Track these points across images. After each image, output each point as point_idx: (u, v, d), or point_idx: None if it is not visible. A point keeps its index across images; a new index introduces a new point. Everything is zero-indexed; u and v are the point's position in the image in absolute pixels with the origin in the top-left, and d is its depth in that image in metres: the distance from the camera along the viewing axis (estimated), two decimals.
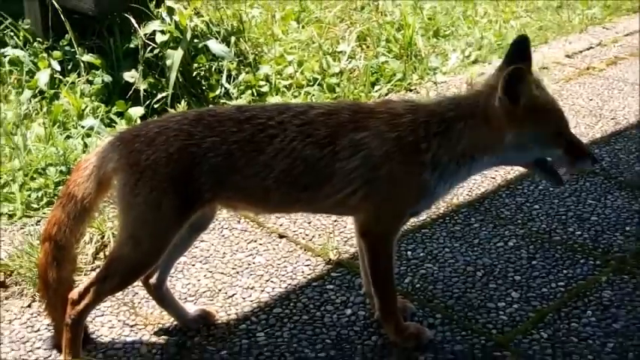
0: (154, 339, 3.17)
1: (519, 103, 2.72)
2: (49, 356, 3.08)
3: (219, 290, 3.48)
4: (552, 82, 5.97)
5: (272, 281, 3.54)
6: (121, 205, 2.88)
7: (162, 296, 3.23)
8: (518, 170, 4.52)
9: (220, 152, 2.76)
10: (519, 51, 2.92)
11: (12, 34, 5.72)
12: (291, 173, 2.80)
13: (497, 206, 4.15)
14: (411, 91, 5.79)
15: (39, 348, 3.12)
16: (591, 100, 5.70)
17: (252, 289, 3.49)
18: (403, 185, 2.87)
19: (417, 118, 2.85)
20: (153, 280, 3.19)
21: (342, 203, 2.89)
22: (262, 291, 3.48)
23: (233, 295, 3.45)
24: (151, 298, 3.28)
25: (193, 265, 3.63)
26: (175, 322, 3.24)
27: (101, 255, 3.70)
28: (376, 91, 5.76)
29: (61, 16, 5.23)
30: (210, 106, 5.19)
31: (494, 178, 4.46)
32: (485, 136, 2.84)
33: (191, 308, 3.27)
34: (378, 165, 2.81)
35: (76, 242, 3.03)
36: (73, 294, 2.94)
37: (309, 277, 3.56)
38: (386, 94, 5.73)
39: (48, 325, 3.24)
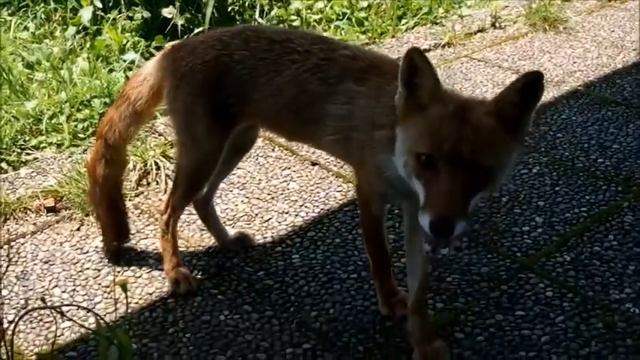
0: (194, 260, 3.16)
1: (416, 96, 2.21)
2: (98, 276, 3.08)
3: (256, 215, 3.45)
4: (574, 14, 5.79)
5: (306, 206, 3.51)
6: (168, 111, 2.90)
7: (207, 214, 3.20)
8: (540, 100, 4.39)
9: (247, 66, 2.68)
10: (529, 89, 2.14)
11: None
12: (297, 102, 2.66)
13: None
14: (436, 24, 5.64)
15: (88, 269, 3.13)
16: (613, 31, 5.51)
17: (286, 213, 3.46)
18: (370, 159, 2.51)
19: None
20: (198, 196, 3.14)
21: (332, 149, 2.77)
22: (296, 215, 3.44)
23: (269, 219, 3.42)
24: (191, 222, 3.26)
25: (231, 190, 3.60)
26: (215, 245, 3.23)
27: (144, 182, 3.68)
28: (403, 25, 5.62)
29: None
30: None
31: None
32: None
33: (230, 231, 3.25)
34: (356, 126, 2.53)
35: (124, 144, 3.03)
36: (160, 204, 3.05)
37: (341, 202, 3.51)
38: (412, 28, 5.59)
39: (96, 247, 3.25)
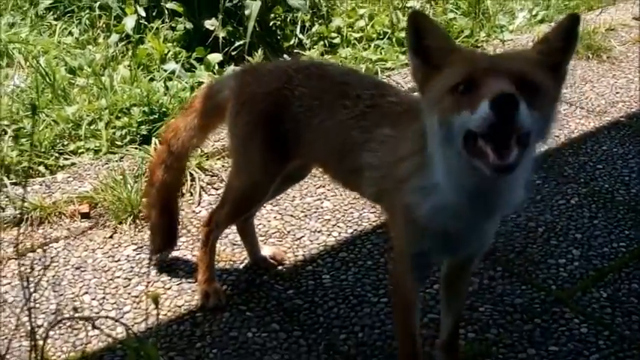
0: (225, 275, 3.14)
1: (430, 61, 2.07)
2: (128, 285, 3.08)
3: (288, 232, 3.43)
4: (619, 43, 5.70)
5: (338, 226, 3.47)
6: (228, 131, 2.86)
7: (245, 229, 3.18)
8: (581, 130, 4.36)
9: (304, 104, 2.60)
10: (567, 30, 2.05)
11: None
12: (341, 150, 2.52)
13: (560, 164, 3.98)
14: (478, 47, 5.59)
15: (118, 277, 3.13)
16: None
17: (319, 232, 3.43)
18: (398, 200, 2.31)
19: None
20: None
21: (375, 203, 2.65)
22: (329, 235, 3.41)
23: (301, 237, 3.40)
24: (223, 236, 3.24)
25: (264, 206, 3.56)
26: (245, 261, 3.21)
27: (178, 193, 3.67)
28: None
29: None
30: (333, 62, 4.96)
31: (557, 136, 4.27)
32: None
33: (263, 247, 3.23)
34: (386, 174, 2.35)
35: (186, 153, 3.04)
36: (206, 216, 3.04)
37: (374, 224, 3.47)
38: None
39: (127, 256, 3.25)
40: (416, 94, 2.35)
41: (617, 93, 4.91)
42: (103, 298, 3.02)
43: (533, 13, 6.30)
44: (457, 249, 2.30)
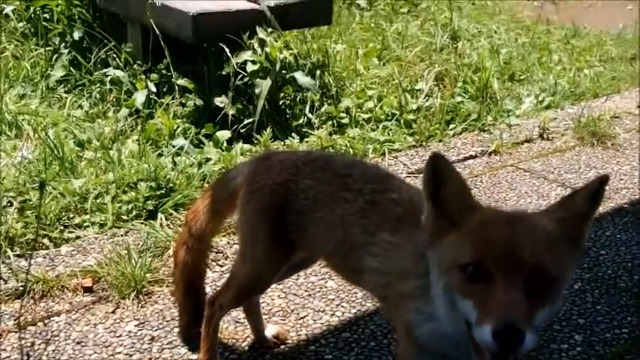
0: (227, 353, 3.14)
1: (445, 211, 2.03)
2: None
3: (292, 311, 3.45)
4: (623, 131, 5.82)
5: (342, 306, 3.49)
6: (238, 219, 2.88)
7: (250, 308, 3.19)
8: None
9: (309, 197, 2.61)
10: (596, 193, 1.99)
11: (114, 55, 5.85)
12: (343, 247, 2.50)
13: None
14: (484, 131, 5.69)
15: (119, 353, 3.13)
16: None
17: (322, 312, 3.45)
18: (399, 317, 2.30)
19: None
20: None
21: (379, 306, 2.59)
22: (332, 315, 3.43)
23: (304, 316, 3.41)
24: (227, 313, 3.25)
25: None
26: (248, 339, 3.22)
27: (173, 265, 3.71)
28: (451, 129, 5.69)
29: (161, 41, 5.30)
30: (343, 154, 4.86)
31: None
32: None
33: (267, 326, 3.24)
34: (389, 282, 2.32)
35: (205, 235, 3.05)
36: (211, 296, 3.03)
37: (378, 304, 3.47)
38: (460, 133, 5.65)
39: (129, 331, 3.26)
40: (417, 185, 2.37)
41: (620, 180, 4.99)
42: None
43: (540, 98, 6.45)
44: None
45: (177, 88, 5.42)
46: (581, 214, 1.97)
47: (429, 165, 2.02)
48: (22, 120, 5.16)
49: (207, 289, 3.47)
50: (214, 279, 3.61)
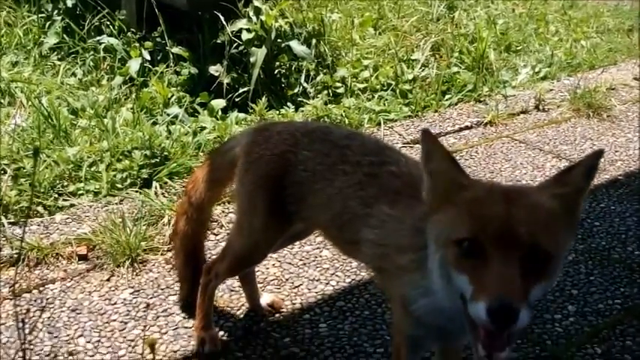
0: (221, 321, 3.17)
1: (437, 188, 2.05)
2: (124, 329, 3.10)
3: (286, 280, 3.47)
4: (619, 102, 5.83)
5: (337, 275, 3.52)
6: (235, 190, 2.89)
7: (245, 276, 3.21)
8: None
9: (307, 168, 2.60)
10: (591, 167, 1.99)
11: (108, 23, 5.82)
12: (340, 219, 2.51)
13: None
14: (480, 102, 5.70)
15: (114, 320, 3.15)
16: None
17: (317, 281, 3.48)
18: (396, 290, 2.32)
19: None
20: None
21: (375, 278, 2.60)
22: (327, 284, 3.45)
23: (299, 285, 3.44)
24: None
25: None
26: (243, 307, 3.25)
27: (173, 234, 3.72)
28: (446, 100, 5.69)
29: (155, 9, 5.28)
30: (341, 125, 4.82)
31: None
32: None
33: (262, 294, 3.27)
34: (387, 254, 2.34)
35: (204, 204, 3.06)
36: (207, 264, 3.04)
37: (372, 274, 3.49)
38: (456, 104, 5.66)
39: (124, 299, 3.28)
40: (416, 158, 2.37)
41: (616, 151, 5.01)
42: (99, 341, 3.04)
43: (536, 70, 6.45)
44: (451, 340, 2.33)
45: (171, 56, 5.41)
46: (578, 190, 1.96)
47: (421, 142, 2.06)
48: (15, 88, 5.14)
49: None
50: (209, 247, 3.62)
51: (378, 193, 2.41)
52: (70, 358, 2.88)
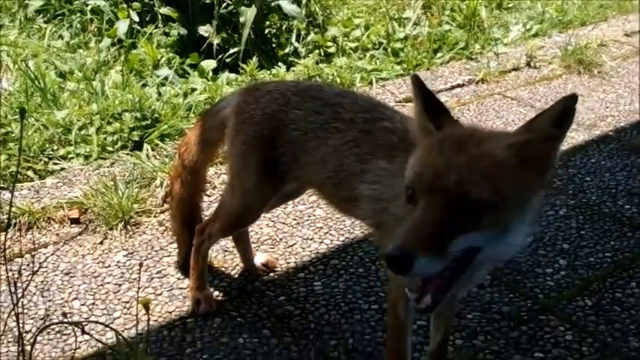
0: (216, 281, 3.18)
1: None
2: (118, 291, 3.11)
3: (280, 239, 3.48)
4: (610, 59, 5.82)
5: (330, 234, 3.53)
6: (227, 150, 2.88)
7: (239, 236, 3.22)
8: (571, 142, 4.43)
9: (299, 127, 2.60)
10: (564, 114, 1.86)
11: None
12: (337, 177, 2.50)
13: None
14: (472, 59, 5.68)
15: (108, 283, 3.16)
16: None
17: (311, 240, 3.48)
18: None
19: None
20: None
21: (373, 234, 2.59)
22: (321, 242, 3.46)
23: (293, 244, 3.45)
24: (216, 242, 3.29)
25: None
26: (237, 267, 3.27)
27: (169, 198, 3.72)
28: (438, 58, 5.67)
29: None
30: (332, 84, 4.91)
31: None
32: None
33: (256, 254, 3.28)
34: (385, 209, 2.33)
35: (198, 166, 3.05)
36: (200, 225, 3.03)
37: (366, 231, 3.51)
38: (448, 62, 5.63)
39: (118, 262, 3.29)
40: (410, 116, 2.34)
41: (606, 107, 5.02)
42: (93, 303, 3.05)
43: (528, 27, 6.43)
44: None
45: (160, 17, 5.37)
46: (546, 137, 1.85)
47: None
48: (1, 51, 5.08)
49: None
50: (201, 208, 3.61)
51: (374, 149, 2.41)
52: (65, 320, 2.89)
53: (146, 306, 2.16)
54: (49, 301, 3.05)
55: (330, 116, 2.55)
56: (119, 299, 3.07)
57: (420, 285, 1.91)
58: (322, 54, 5.52)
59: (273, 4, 5.45)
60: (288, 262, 3.32)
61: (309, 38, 5.61)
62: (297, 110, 2.62)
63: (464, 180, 1.77)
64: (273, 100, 2.68)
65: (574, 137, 4.51)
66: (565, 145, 4.39)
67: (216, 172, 3.91)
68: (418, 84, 2.02)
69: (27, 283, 2.91)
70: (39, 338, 2.81)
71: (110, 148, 4.14)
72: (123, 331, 2.86)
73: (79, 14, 5.62)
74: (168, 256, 3.32)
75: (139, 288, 3.12)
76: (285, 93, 2.69)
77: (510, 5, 6.95)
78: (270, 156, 2.66)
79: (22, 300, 2.93)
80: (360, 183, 2.41)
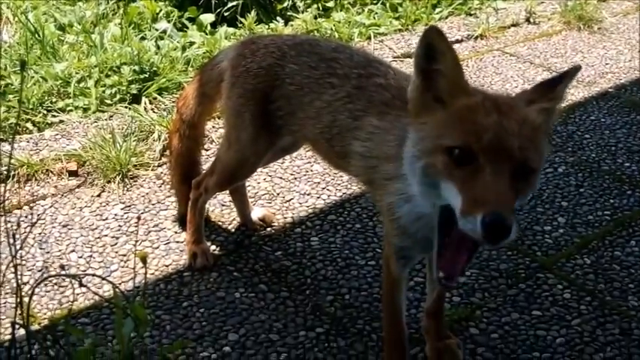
0: (213, 235, 3.12)
1: (435, 88, 1.92)
2: (115, 244, 3.06)
3: (277, 194, 3.41)
4: (610, 15, 5.70)
5: (328, 189, 3.46)
6: (223, 103, 2.81)
7: (236, 190, 3.16)
8: (570, 99, 4.34)
9: (295, 82, 2.53)
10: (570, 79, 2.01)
11: None
12: (330, 132, 2.43)
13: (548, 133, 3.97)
14: (471, 15, 5.56)
15: (106, 236, 3.11)
16: None
17: (308, 195, 3.42)
18: (383, 200, 2.23)
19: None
20: None
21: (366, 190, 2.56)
22: (318, 197, 3.40)
23: (290, 199, 3.38)
24: (213, 196, 3.22)
25: None
26: (234, 222, 3.20)
27: (168, 152, 3.64)
28: (437, 13, 5.55)
29: None
30: (330, 38, 4.90)
31: None
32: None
33: (253, 209, 3.22)
34: (375, 166, 2.26)
35: (196, 120, 3.00)
36: (195, 180, 2.98)
37: (363, 187, 3.45)
38: (446, 17, 5.52)
39: (115, 215, 3.23)
40: (406, 71, 2.28)
41: (606, 64, 4.91)
42: (90, 256, 3.00)
43: None
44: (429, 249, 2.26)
45: None
46: (558, 104, 1.96)
47: (423, 39, 1.88)
48: (1, 3, 4.99)
49: None
50: (200, 163, 3.54)
51: (367, 106, 2.34)
52: (62, 272, 2.84)
53: (143, 259, 2.10)
54: (47, 253, 3.00)
55: (324, 71, 2.47)
56: (116, 252, 3.01)
57: (449, 260, 1.89)
58: (320, 8, 5.41)
59: None
60: (285, 217, 3.25)
61: None
62: (292, 64, 2.55)
63: (524, 146, 1.77)
64: (269, 53, 2.61)
65: (573, 94, 4.42)
66: (565, 102, 4.30)
67: (213, 126, 3.83)
68: (443, 38, 1.88)
69: (25, 235, 2.86)
70: (37, 290, 2.75)
71: (108, 101, 4.06)
72: (120, 284, 2.81)
73: None
74: (166, 209, 3.26)
75: (136, 241, 3.06)
76: (281, 47, 2.61)
77: None
78: (266, 109, 2.60)
79: (20, 252, 2.89)
80: (353, 140, 2.34)
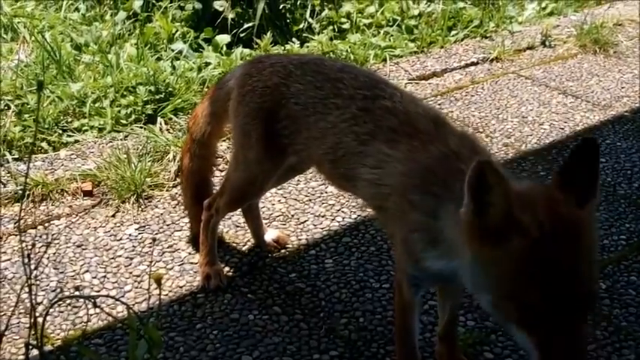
0: (227, 256, 3.12)
1: (486, 218, 1.80)
2: (129, 264, 3.06)
3: (292, 216, 3.41)
4: (626, 38, 5.69)
5: (342, 211, 3.45)
6: (230, 123, 2.83)
7: (249, 211, 3.16)
8: (586, 123, 4.34)
9: (300, 102, 2.54)
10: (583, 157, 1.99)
11: None
12: (334, 154, 2.42)
13: (564, 156, 3.95)
14: (486, 38, 5.57)
15: (120, 256, 3.11)
16: None
17: (323, 217, 3.41)
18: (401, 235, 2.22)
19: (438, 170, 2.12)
20: None
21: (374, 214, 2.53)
22: (333, 220, 3.39)
23: (305, 221, 3.38)
24: (227, 217, 3.22)
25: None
26: (248, 243, 3.20)
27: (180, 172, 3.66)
28: (453, 36, 5.56)
29: None
30: (335, 58, 4.78)
31: (562, 129, 4.28)
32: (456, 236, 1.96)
33: (267, 230, 3.21)
34: (388, 195, 2.25)
35: (206, 139, 3.00)
36: (207, 201, 2.98)
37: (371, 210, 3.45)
38: (462, 40, 5.53)
39: (130, 235, 3.23)
40: (412, 94, 2.27)
41: (622, 88, 4.90)
42: (104, 276, 3.00)
43: (543, 5, 6.32)
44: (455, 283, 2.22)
45: None
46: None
47: (476, 170, 1.77)
48: (18, 23, 5.05)
49: None
50: (214, 184, 3.55)
51: (373, 131, 2.33)
52: (77, 293, 2.84)
53: (158, 281, 2.11)
54: (61, 273, 3.00)
55: (329, 91, 2.48)
56: (130, 273, 3.02)
57: None
58: (336, 30, 5.44)
59: None
60: (300, 239, 3.25)
61: (323, 14, 5.52)
62: (298, 84, 2.56)
63: (594, 290, 1.82)
64: (275, 72, 2.62)
65: (589, 117, 4.42)
66: (580, 126, 4.32)
67: (228, 147, 3.84)
68: (495, 172, 1.78)
69: (40, 255, 2.87)
70: (51, 311, 2.75)
71: (124, 121, 4.08)
72: (134, 305, 2.81)
73: None
74: (180, 230, 3.26)
75: (150, 262, 3.06)
76: (287, 66, 2.63)
77: None
78: (272, 129, 2.61)
79: (34, 272, 2.90)
80: (359, 165, 2.34)
